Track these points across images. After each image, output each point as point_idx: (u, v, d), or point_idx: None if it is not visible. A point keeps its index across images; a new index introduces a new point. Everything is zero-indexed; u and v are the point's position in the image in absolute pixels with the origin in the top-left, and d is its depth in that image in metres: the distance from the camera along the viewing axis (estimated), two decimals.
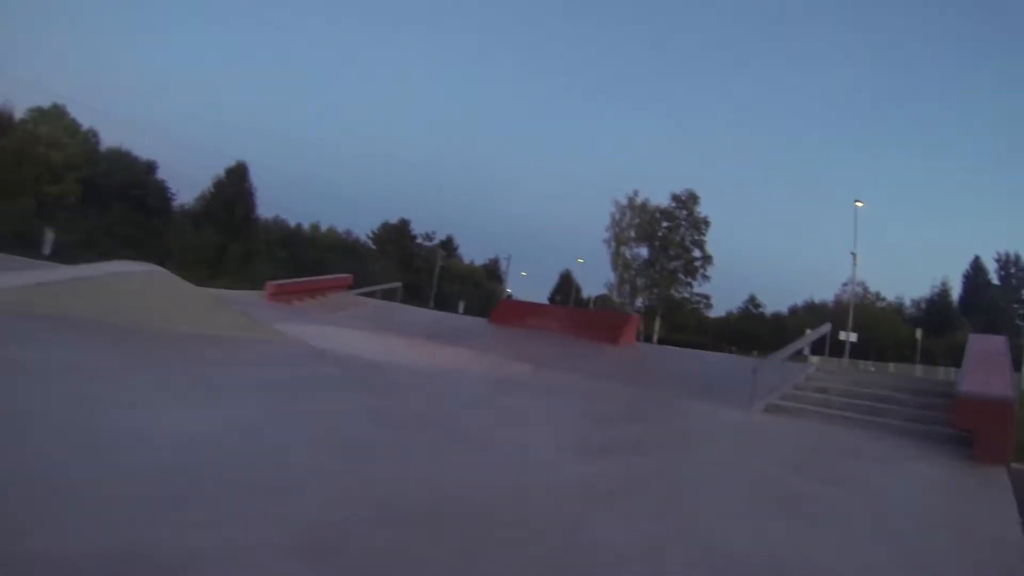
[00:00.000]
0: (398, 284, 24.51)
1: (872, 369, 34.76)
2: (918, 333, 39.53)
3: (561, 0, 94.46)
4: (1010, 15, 71.27)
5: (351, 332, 12.71)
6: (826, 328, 11.10)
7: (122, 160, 42.35)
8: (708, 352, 23.99)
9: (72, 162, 38.32)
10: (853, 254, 33.87)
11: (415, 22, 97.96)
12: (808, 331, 44.26)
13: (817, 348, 45.34)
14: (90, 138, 41.92)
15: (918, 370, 36.76)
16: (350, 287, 21.29)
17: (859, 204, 34.47)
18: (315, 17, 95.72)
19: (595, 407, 7.57)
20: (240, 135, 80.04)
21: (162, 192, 44.25)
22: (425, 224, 67.58)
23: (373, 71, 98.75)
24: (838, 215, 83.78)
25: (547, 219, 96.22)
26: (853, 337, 33.39)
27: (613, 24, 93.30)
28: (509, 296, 51.59)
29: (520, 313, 16.89)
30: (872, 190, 78.64)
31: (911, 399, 8.88)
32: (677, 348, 19.45)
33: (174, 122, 76.69)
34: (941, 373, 33.60)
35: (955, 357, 43.77)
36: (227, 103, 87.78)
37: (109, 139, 43.84)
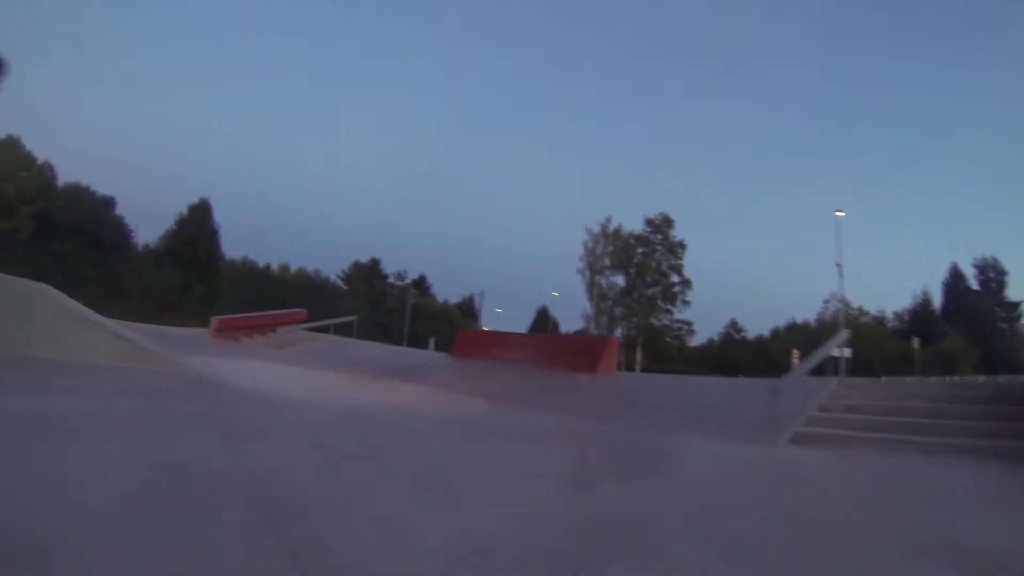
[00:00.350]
0: (354, 317, 22.54)
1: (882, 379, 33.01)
2: (915, 342, 38.06)
3: (525, 31, 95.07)
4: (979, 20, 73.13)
5: (283, 368, 11.06)
6: (845, 335, 9.17)
7: (79, 195, 40.41)
8: (700, 377, 21.97)
9: (25, 195, 36.17)
10: (838, 264, 32.46)
11: (389, 66, 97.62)
12: (796, 351, 43.31)
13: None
14: (45, 171, 39.88)
15: (909, 381, 35.11)
16: (304, 322, 19.40)
17: (840, 214, 33.30)
18: (287, 57, 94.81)
19: (564, 457, 5.43)
20: (209, 174, 77.84)
21: (120, 228, 42.08)
22: (397, 263, 65.87)
23: (341, 109, 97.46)
24: (813, 232, 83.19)
25: (522, 255, 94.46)
26: (848, 352, 31.70)
27: (578, 49, 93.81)
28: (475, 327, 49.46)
29: (484, 344, 14.80)
30: (845, 204, 78.97)
31: (970, 410, 6.92)
32: (664, 375, 17.13)
33: (139, 159, 74.45)
34: (951, 379, 31.89)
35: (946, 365, 43.07)
36: (195, 143, 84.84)
37: (68, 174, 41.90)
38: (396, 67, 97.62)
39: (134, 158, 73.69)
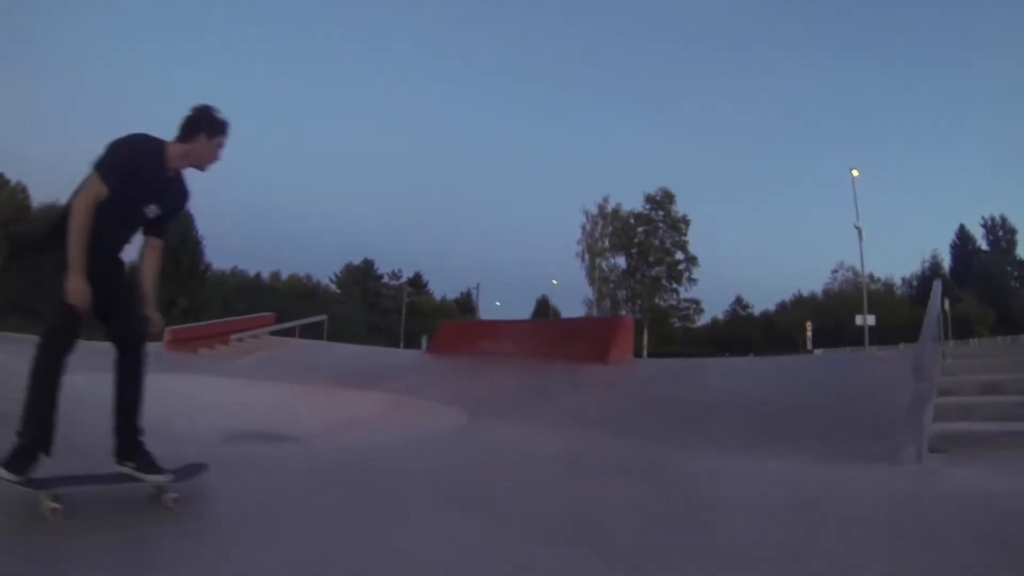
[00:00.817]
0: (323, 317, 20.34)
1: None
2: (946, 304, 35.47)
3: (518, 10, 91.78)
4: None
5: (223, 383, 8.91)
6: (938, 288, 6.85)
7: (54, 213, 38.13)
8: (736, 359, 19.05)
9: None
10: (858, 228, 30.04)
11: (375, 52, 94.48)
12: (809, 324, 40.80)
13: (826, 338, 41.52)
14: (18, 193, 38.44)
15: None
16: (270, 326, 17.24)
17: (855, 173, 30.85)
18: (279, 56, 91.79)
19: (575, 511, 3.07)
20: (197, 186, 75.36)
21: None
22: (391, 263, 63.54)
23: (327, 105, 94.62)
24: (817, 201, 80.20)
25: (520, 245, 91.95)
26: (871, 320, 29.44)
27: (574, 27, 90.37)
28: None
29: (469, 337, 12.45)
30: (846, 169, 75.95)
31: None
32: (688, 359, 14.34)
33: None
34: None
35: (962, 330, 40.63)
36: None
37: (44, 194, 39.95)
38: (380, 56, 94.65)
39: None
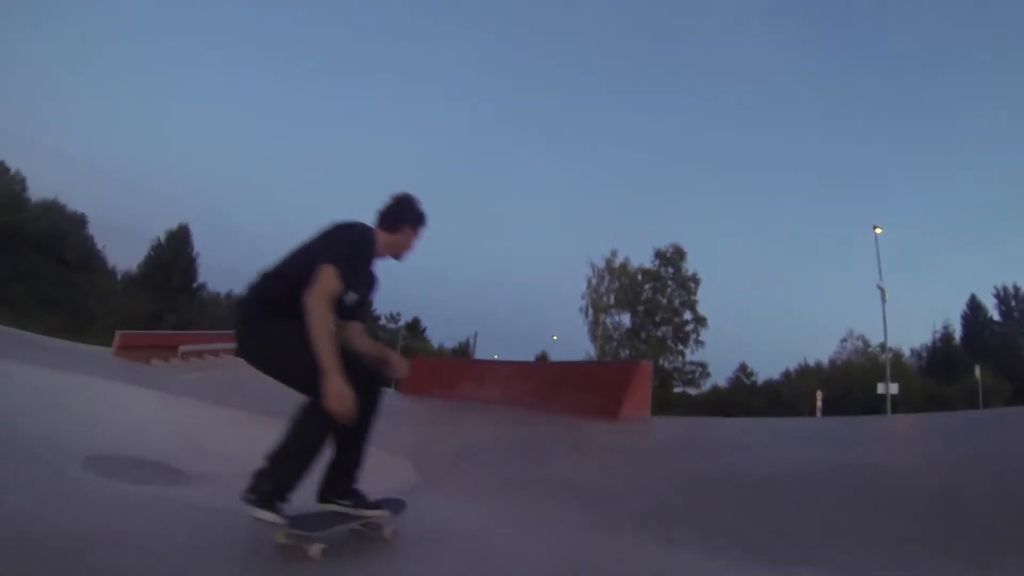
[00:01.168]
0: None
1: None
2: (977, 371, 33.59)
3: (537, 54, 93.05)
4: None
5: (138, 393, 7.50)
6: None
7: (48, 210, 38.15)
8: (778, 419, 16.02)
9: None
10: (880, 288, 28.12)
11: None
12: (819, 393, 38.54)
13: (836, 409, 39.01)
14: (15, 183, 37.57)
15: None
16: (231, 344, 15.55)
17: (878, 231, 29.17)
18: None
19: None
20: (189, 201, 75.66)
21: (86, 246, 39.59)
22: (391, 304, 61.78)
23: (335, 135, 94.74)
24: (826, 266, 78.50)
25: (522, 297, 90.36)
26: (894, 388, 27.32)
27: (591, 76, 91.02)
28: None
29: (449, 376, 10.53)
30: (858, 237, 74.25)
31: None
32: (719, 419, 11.27)
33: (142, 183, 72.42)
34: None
35: (971, 402, 38.04)
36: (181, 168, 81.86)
37: (51, 192, 39.69)
38: (389, 92, 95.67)
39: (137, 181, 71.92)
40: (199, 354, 14.64)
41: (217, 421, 7.28)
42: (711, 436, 6.75)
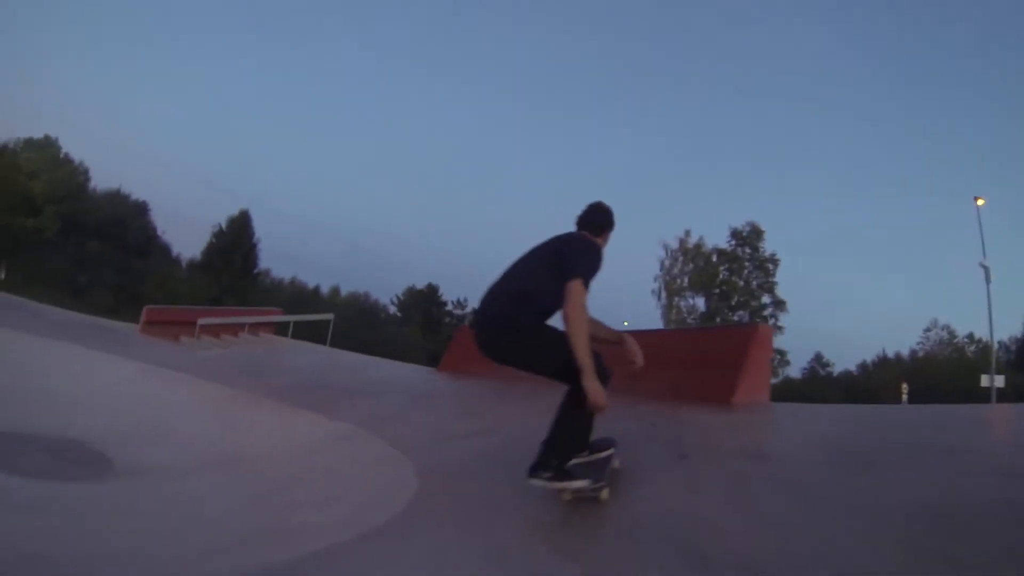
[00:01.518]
0: (329, 316, 18.58)
1: None
2: None
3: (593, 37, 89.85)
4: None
5: (141, 369, 7.81)
6: None
7: (111, 198, 39.92)
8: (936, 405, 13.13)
9: (53, 194, 35.21)
10: (984, 267, 24.13)
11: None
12: (904, 385, 34.62)
13: (923, 396, 34.96)
14: (78, 173, 39.17)
15: None
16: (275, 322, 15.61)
17: (980, 202, 25.03)
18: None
19: None
20: (258, 192, 77.80)
21: (147, 232, 41.23)
22: (457, 291, 60.92)
23: (407, 125, 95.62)
24: (908, 249, 70.92)
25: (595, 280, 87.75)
26: (1000, 381, 23.82)
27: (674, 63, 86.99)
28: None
29: None
30: (942, 221, 66.40)
31: None
32: (852, 406, 7.83)
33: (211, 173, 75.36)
34: None
35: None
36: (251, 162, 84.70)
37: (113, 182, 41.77)
38: (458, 88, 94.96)
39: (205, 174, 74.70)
40: (233, 330, 13.72)
41: (210, 402, 6.60)
42: (887, 434, 4.20)
